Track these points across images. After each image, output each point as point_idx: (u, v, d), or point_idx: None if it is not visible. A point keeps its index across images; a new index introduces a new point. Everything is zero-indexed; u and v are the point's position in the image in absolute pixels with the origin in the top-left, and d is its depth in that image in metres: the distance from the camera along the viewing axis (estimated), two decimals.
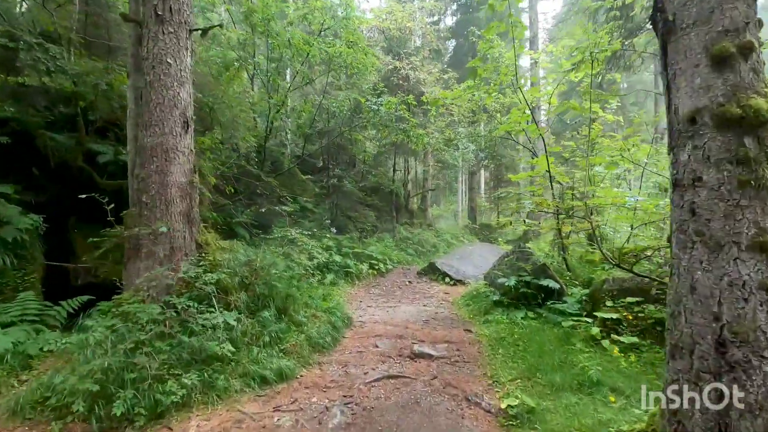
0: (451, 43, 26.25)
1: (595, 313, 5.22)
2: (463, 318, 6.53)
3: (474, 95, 12.32)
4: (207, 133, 8.19)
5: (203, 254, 5.18)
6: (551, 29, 28.24)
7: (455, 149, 20.40)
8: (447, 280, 9.06)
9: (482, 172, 27.53)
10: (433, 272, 9.64)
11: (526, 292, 6.04)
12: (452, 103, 12.42)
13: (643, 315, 4.49)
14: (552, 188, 7.30)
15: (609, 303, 4.88)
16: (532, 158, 10.99)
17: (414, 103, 11.26)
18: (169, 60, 4.84)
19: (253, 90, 12.78)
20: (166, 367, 3.48)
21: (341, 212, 13.67)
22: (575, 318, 5.28)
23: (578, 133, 11.25)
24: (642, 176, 7.64)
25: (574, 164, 9.84)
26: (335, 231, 10.67)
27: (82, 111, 6.22)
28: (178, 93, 4.97)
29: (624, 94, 18.77)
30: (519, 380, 3.83)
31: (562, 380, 3.62)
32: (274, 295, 5.37)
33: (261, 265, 5.58)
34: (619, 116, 11.85)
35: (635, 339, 4.26)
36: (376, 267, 10.17)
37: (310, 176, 15.84)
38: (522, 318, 5.70)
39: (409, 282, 9.46)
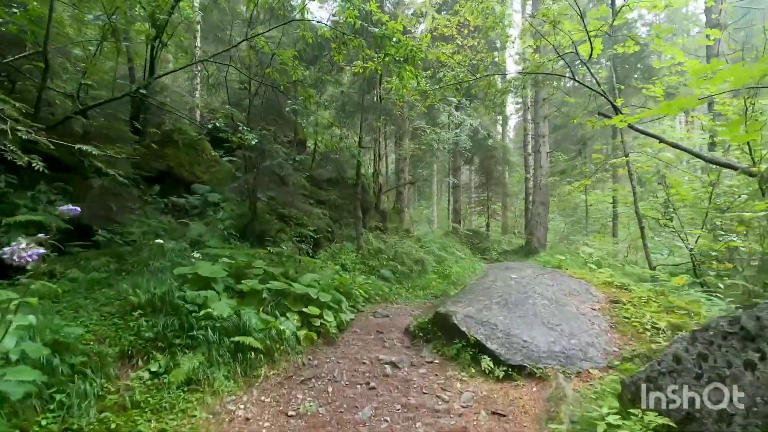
0: None
1: None
2: None
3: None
4: None
5: None
6: None
7: (445, 128, 15.28)
8: (486, 364, 3.67)
9: (457, 172, 22.41)
10: (446, 336, 4.23)
11: None
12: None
13: None
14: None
15: None
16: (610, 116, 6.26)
17: None
18: None
19: None
20: None
21: (270, 209, 8.04)
22: None
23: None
24: None
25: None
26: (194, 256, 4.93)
27: None
28: None
29: None
30: None
31: None
32: None
33: None
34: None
35: None
36: (317, 323, 4.62)
37: (227, 155, 10.12)
38: None
39: (393, 365, 3.97)
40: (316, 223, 8.34)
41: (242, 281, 4.62)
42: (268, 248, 6.22)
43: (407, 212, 17.95)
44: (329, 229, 9.96)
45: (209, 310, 3.93)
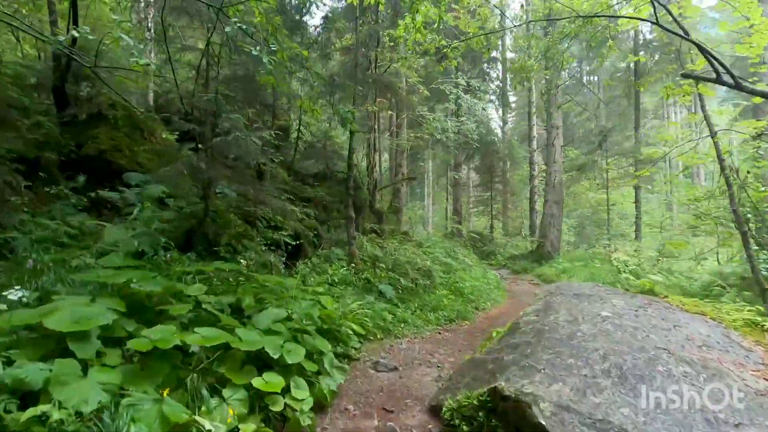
0: None
1: None
2: None
3: None
4: None
5: None
6: None
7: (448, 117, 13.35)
8: None
9: (458, 168, 20.31)
10: None
11: None
12: None
13: None
14: None
15: None
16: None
17: None
18: None
19: None
20: None
21: (235, 207, 5.98)
22: None
23: None
24: None
25: None
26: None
27: None
28: None
29: None
30: None
31: None
32: None
33: None
34: None
35: None
36: (278, 406, 2.61)
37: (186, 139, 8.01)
38: None
39: None
40: (294, 226, 6.30)
41: (148, 330, 2.58)
42: (216, 263, 4.17)
43: (405, 212, 15.96)
44: (315, 232, 7.97)
45: (46, 406, 1.90)
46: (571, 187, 16.88)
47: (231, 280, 4.19)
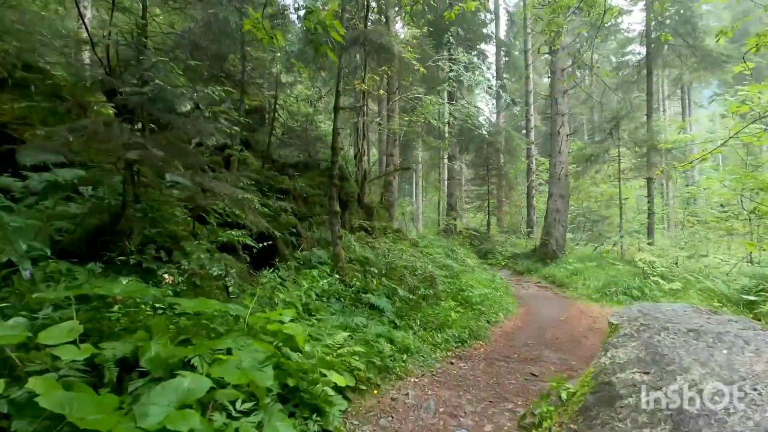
0: None
1: None
2: None
3: None
4: None
5: None
6: None
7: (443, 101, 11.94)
8: None
9: (453, 160, 18.68)
10: None
11: None
12: None
13: None
14: None
15: None
16: None
17: None
18: None
19: None
20: None
21: (172, 197, 4.38)
22: None
23: None
24: None
25: None
26: None
27: None
28: None
29: None
30: None
31: None
32: None
33: None
34: None
35: None
36: None
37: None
38: None
39: None
40: (256, 221, 4.78)
41: None
42: (120, 279, 2.66)
43: (397, 207, 14.47)
44: (293, 230, 6.51)
45: None
46: (576, 180, 15.65)
47: (146, 307, 2.69)
